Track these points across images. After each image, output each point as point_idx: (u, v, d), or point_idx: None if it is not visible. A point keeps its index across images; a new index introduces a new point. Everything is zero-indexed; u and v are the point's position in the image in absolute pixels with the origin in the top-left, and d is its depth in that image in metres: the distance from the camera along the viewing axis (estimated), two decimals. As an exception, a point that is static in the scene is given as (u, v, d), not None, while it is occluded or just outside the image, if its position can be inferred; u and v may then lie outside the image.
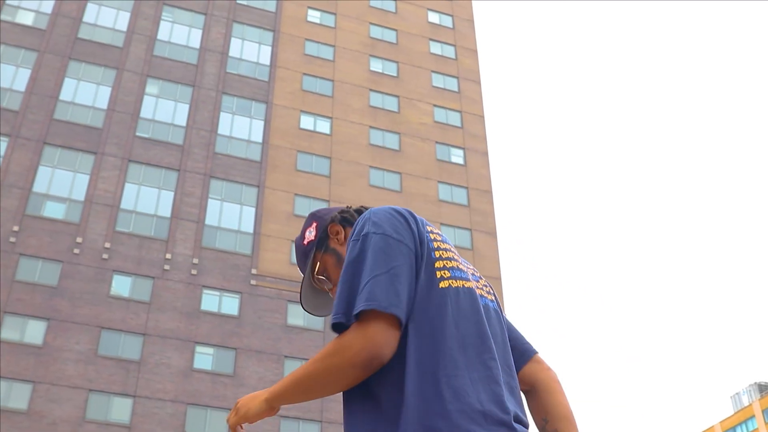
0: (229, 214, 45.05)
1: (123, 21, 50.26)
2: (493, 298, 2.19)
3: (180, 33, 51.03)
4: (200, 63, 50.01)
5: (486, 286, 2.21)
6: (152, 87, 48.14)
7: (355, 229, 2.03)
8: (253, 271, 43.47)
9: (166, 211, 43.95)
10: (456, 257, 2.12)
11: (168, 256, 42.42)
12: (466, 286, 2.02)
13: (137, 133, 46.02)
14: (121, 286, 41.11)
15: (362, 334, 1.80)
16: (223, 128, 47.98)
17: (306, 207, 46.71)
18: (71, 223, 41.83)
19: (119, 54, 48.69)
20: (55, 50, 47.54)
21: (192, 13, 52.26)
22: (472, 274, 2.17)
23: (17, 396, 36.61)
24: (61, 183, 43.07)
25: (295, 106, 50.48)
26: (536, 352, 2.24)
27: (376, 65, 54.57)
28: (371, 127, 51.33)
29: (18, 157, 43.02)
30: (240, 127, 48.44)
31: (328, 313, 2.35)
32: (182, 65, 49.53)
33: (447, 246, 2.10)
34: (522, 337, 2.27)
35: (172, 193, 44.66)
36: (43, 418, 36.30)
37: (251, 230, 44.95)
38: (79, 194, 42.94)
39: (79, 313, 39.45)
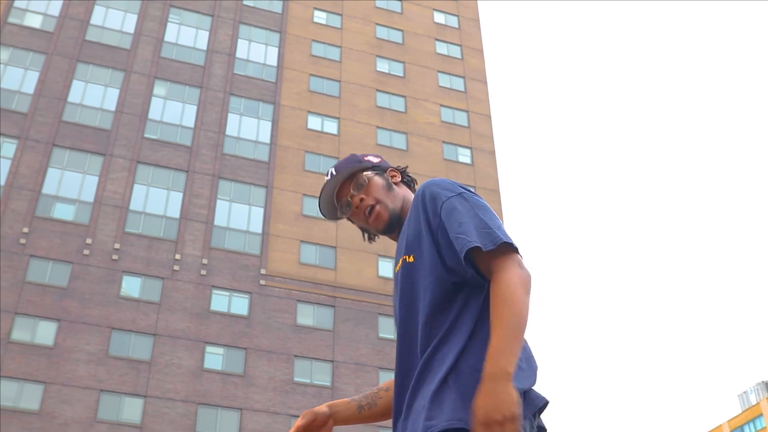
0: (238, 215, 45.19)
1: (130, 23, 50.45)
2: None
3: (187, 35, 51.21)
4: (207, 64, 50.18)
5: None
6: (160, 88, 48.32)
7: (443, 186, 2.28)
8: (262, 271, 43.60)
9: (175, 211, 44.11)
10: None
11: (177, 256, 42.57)
12: None
13: (145, 135, 46.19)
14: (131, 286, 41.27)
15: (522, 264, 2.08)
16: (231, 129, 48.13)
17: (314, 207, 46.83)
18: (81, 224, 42.00)
19: (127, 56, 48.87)
20: (63, 52, 47.72)
21: (199, 15, 52.45)
22: None
23: (29, 397, 36.77)
24: (70, 185, 43.23)
25: (303, 106, 50.63)
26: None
27: (383, 66, 54.71)
28: (378, 127, 51.46)
29: (27, 159, 43.20)
30: (248, 128, 48.60)
31: (332, 216, 2.58)
32: (189, 67, 49.71)
33: None
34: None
35: (181, 194, 44.83)
36: (55, 419, 36.45)
37: (260, 230, 45.09)
38: (89, 196, 43.10)
39: (89, 313, 39.60)
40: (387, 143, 50.80)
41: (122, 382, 38.32)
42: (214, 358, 40.51)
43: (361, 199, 2.45)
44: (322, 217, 2.57)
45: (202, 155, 46.51)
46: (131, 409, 37.92)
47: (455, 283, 2.17)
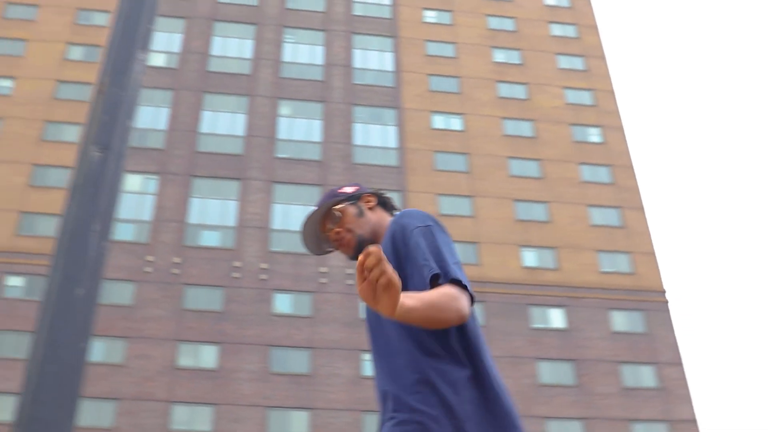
0: (376, 222, 45.57)
1: (247, 49, 51.71)
2: None
3: (303, 52, 52.11)
4: (327, 78, 50.92)
5: None
6: (285, 108, 49.31)
7: (414, 217, 2.44)
8: (408, 275, 43.80)
9: (315, 226, 44.83)
10: None
11: (323, 269, 43.27)
12: None
13: (277, 155, 47.20)
14: (283, 303, 42.17)
15: (466, 299, 2.21)
16: (358, 139, 48.65)
17: (450, 205, 46.79)
18: (227, 249, 43.22)
19: (249, 81, 50.10)
20: (189, 86, 49.31)
21: (312, 32, 53.30)
22: None
23: (201, 419, 38.03)
24: (212, 212, 44.58)
25: (425, 107, 50.72)
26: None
27: (499, 56, 54.28)
28: (503, 117, 51.05)
29: (170, 193, 44.78)
30: (374, 135, 49.02)
31: (316, 251, 2.75)
32: (310, 83, 50.55)
33: None
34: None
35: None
36: (228, 438, 37.54)
37: (400, 235, 45.34)
38: (231, 220, 44.33)
39: (246, 334, 40.69)
40: (514, 132, 50.33)
41: (286, 397, 39.18)
42: (371, 364, 40.91)
43: (337, 232, 2.65)
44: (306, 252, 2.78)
45: (334, 167, 47.17)
46: (298, 423, 38.71)
47: None
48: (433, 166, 48.27)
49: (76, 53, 50.01)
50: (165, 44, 51.11)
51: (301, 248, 44.02)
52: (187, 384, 38.79)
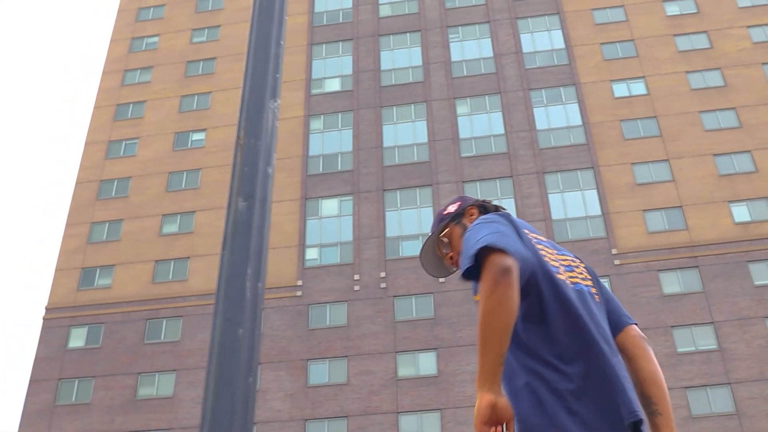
0: (573, 203, 44.58)
1: (416, 56, 52.17)
2: (590, 281, 2.62)
3: (471, 48, 51.92)
4: (499, 69, 50.45)
5: (583, 272, 2.62)
6: (462, 107, 49.30)
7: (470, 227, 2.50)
8: (614, 251, 42.51)
9: (511, 218, 44.47)
10: (557, 255, 2.63)
11: (526, 260, 42.78)
12: (572, 280, 2.52)
13: (462, 155, 47.24)
14: (492, 300, 42.04)
15: (493, 265, 2.23)
16: (540, 123, 47.83)
17: (646, 173, 44.97)
18: (429, 255, 43.61)
19: (422, 88, 50.51)
20: (367, 104, 50.37)
21: (476, 26, 53.02)
22: (569, 265, 2.60)
23: (428, 426, 38.54)
24: (408, 221, 45.22)
25: (604, 77, 49.10)
26: (629, 324, 2.56)
27: (672, 8, 51.65)
28: (687, 72, 48.51)
29: (365, 210, 45.87)
30: (556, 116, 48.02)
31: (440, 274, 2.84)
32: (483, 77, 50.27)
33: (544, 246, 2.58)
34: (619, 308, 2.62)
35: (513, 200, 45.15)
36: (460, 441, 37.80)
37: (599, 212, 44.11)
38: (428, 227, 44.78)
39: (460, 336, 40.89)
40: (701, 85, 47.69)
41: (511, 393, 38.97)
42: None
43: (450, 257, 2.76)
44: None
45: (521, 156, 46.61)
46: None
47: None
48: (622, 136, 46.61)
49: (257, 95, 52.31)
50: (337, 69, 52.53)
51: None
52: (410, 393, 39.47)
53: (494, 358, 2.11)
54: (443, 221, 2.82)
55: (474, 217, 2.81)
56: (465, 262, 2.31)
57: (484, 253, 2.28)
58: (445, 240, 2.76)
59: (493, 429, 2.04)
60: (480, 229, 2.40)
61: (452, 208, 2.84)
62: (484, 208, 2.83)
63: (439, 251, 2.82)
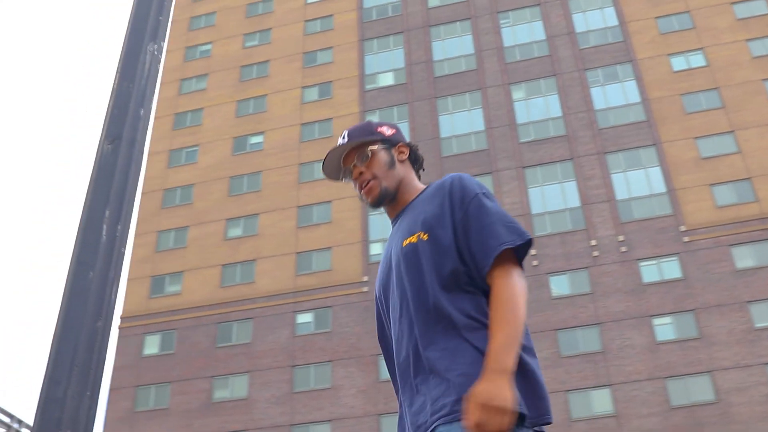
0: (637, 182, 43.84)
1: (468, 45, 51.81)
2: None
3: (523, 32, 51.36)
4: (552, 51, 49.82)
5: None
6: (518, 92, 48.83)
7: (470, 183, 2.39)
8: (682, 228, 41.69)
9: (574, 201, 43.94)
10: None
11: (593, 242, 42.23)
12: None
13: (521, 140, 46.80)
14: (560, 285, 41.61)
15: (522, 274, 2.24)
16: (598, 103, 47.11)
17: (710, 146, 43.98)
18: (493, 243, 43.33)
19: (476, 75, 50.15)
20: (421, 96, 50.21)
21: (527, 9, 52.42)
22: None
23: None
24: (470, 211, 44.94)
25: (660, 52, 48.13)
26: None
27: (729, -24, 50.40)
28: (747, 40, 47.25)
29: (426, 202, 45.72)
30: (614, 95, 47.24)
31: (333, 177, 2.66)
32: (537, 61, 49.71)
33: None
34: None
35: (575, 182, 44.59)
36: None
37: (664, 189, 43.29)
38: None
39: (530, 322, 40.55)
40: (763, 52, 46.39)
41: (583, 378, 38.52)
42: (664, 329, 39.29)
43: (361, 173, 2.54)
44: (324, 176, 2.38)
45: (581, 138, 45.99)
46: (601, 401, 37.92)
47: (466, 273, 2.28)
48: (683, 110, 45.64)
49: (311, 94, 52.66)
50: (389, 63, 52.48)
51: (565, 227, 43.24)
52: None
53: (517, 353, 2.12)
54: (372, 136, 2.58)
55: (404, 156, 2.60)
56: (515, 237, 2.25)
57: (514, 259, 2.27)
58: (368, 154, 2.54)
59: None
60: (504, 212, 2.35)
61: (387, 131, 2.63)
62: (414, 155, 2.65)
63: (348, 159, 2.60)
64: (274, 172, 49.80)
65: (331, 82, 52.67)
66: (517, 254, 2.28)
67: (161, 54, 2.87)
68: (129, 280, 47.92)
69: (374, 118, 50.21)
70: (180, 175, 51.57)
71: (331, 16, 56.19)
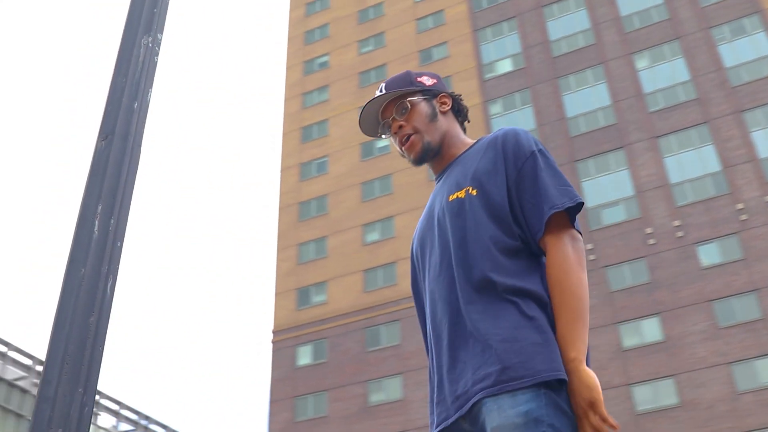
0: (779, 138, 41.75)
1: (583, 19, 50.61)
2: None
3: (636, 0, 49.80)
4: (672, 14, 48.06)
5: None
6: (641, 61, 47.35)
7: (526, 139, 2.25)
8: (835, 180, 39.43)
9: (714, 165, 42.25)
10: None
11: (739, 206, 40.48)
12: None
13: (650, 110, 45.37)
14: (709, 254, 40.09)
15: (577, 236, 2.12)
16: (728, 60, 45.10)
17: None
18: (635, 219, 42.21)
19: (596, 50, 48.94)
20: (542, 78, 49.41)
21: (641, -26, 50.79)
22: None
23: (664, 393, 37.20)
24: (606, 188, 43.92)
25: (790, -2, 45.66)
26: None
27: None
28: None
29: (559, 185, 44.92)
30: (744, 50, 45.11)
31: (370, 132, 2.51)
32: (656, 26, 48.06)
33: None
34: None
35: (712, 146, 42.86)
36: (698, 405, 36.24)
37: (810, 142, 41.06)
38: (628, 190, 43.30)
39: (682, 296, 39.23)
40: None
41: (746, 348, 36.95)
42: (829, 287, 37.26)
43: (400, 126, 2.40)
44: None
45: (713, 99, 44.16)
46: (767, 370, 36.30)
47: (520, 236, 2.15)
48: (822, 55, 43.15)
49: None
50: (506, 49, 51.89)
51: (707, 193, 41.62)
52: (638, 363, 38.28)
53: (586, 324, 2.03)
54: (411, 86, 2.44)
55: (446, 108, 2.46)
56: (565, 200, 2.13)
57: (568, 221, 2.15)
58: (407, 106, 2.41)
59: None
60: (560, 172, 2.22)
61: (428, 81, 2.49)
62: (458, 105, 2.50)
63: (386, 112, 2.46)
64: (404, 173, 50.09)
65: (449, 76, 52.53)
66: (570, 216, 2.15)
67: (158, 46, 2.82)
68: (276, 294, 49.23)
69: (497, 107, 49.77)
70: (313, 187, 52.60)
71: (441, 10, 56.07)
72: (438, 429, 2.10)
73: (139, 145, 2.60)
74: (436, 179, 2.46)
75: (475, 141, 2.41)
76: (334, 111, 55.27)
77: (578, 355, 1.95)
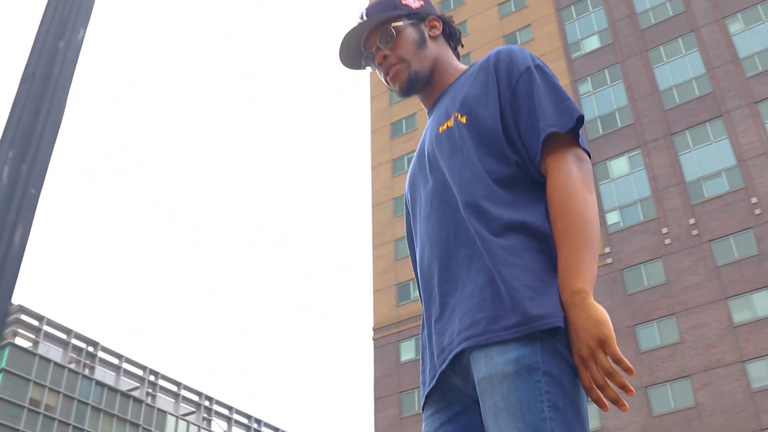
0: None
1: (672, -13, 48.95)
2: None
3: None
4: (766, -28, 45.96)
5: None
6: (734, 25, 45.41)
7: (521, 56, 1.99)
8: None
9: (820, 127, 40.18)
10: None
11: None
12: None
13: (747, 75, 43.47)
14: (821, 220, 38.15)
15: (581, 156, 1.86)
16: (829, 15, 42.84)
17: None
18: (738, 189, 40.53)
19: (685, 18, 47.21)
20: (631, 52, 47.97)
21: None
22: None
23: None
24: (707, 159, 42.34)
25: None
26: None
27: None
28: None
29: (658, 160, 43.57)
30: None
31: (351, 65, 2.22)
32: (750, -13, 46.08)
33: None
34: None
35: (816, 107, 40.76)
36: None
37: None
38: (730, 160, 41.60)
39: (795, 266, 37.48)
40: None
41: None
42: None
43: (385, 56, 2.13)
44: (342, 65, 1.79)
45: (815, 58, 42.03)
46: None
47: (517, 163, 1.90)
48: None
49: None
50: (592, 26, 50.59)
51: (815, 156, 39.59)
52: (752, 338, 36.68)
53: (595, 252, 1.75)
54: (396, 10, 2.16)
55: (436, 32, 2.18)
56: (566, 119, 1.87)
57: (573, 138, 1.89)
58: (392, 32, 2.13)
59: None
60: (560, 87, 1.95)
61: (414, 4, 2.20)
62: (449, 29, 2.22)
63: (369, 42, 2.18)
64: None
65: (534, 59, 51.56)
66: (574, 134, 1.90)
67: None
68: (375, 291, 49.28)
69: (587, 85, 48.57)
70: (405, 182, 52.44)
71: (522, -7, 55.15)
72: (427, 390, 1.85)
73: (65, 88, 2.44)
74: (428, 112, 2.21)
75: (468, 66, 2.18)
76: (422, 105, 55.04)
77: (584, 286, 1.68)
